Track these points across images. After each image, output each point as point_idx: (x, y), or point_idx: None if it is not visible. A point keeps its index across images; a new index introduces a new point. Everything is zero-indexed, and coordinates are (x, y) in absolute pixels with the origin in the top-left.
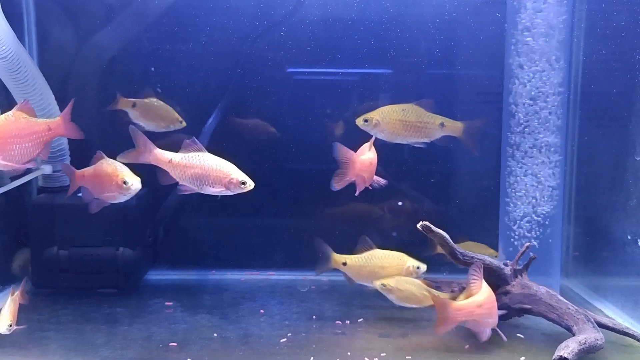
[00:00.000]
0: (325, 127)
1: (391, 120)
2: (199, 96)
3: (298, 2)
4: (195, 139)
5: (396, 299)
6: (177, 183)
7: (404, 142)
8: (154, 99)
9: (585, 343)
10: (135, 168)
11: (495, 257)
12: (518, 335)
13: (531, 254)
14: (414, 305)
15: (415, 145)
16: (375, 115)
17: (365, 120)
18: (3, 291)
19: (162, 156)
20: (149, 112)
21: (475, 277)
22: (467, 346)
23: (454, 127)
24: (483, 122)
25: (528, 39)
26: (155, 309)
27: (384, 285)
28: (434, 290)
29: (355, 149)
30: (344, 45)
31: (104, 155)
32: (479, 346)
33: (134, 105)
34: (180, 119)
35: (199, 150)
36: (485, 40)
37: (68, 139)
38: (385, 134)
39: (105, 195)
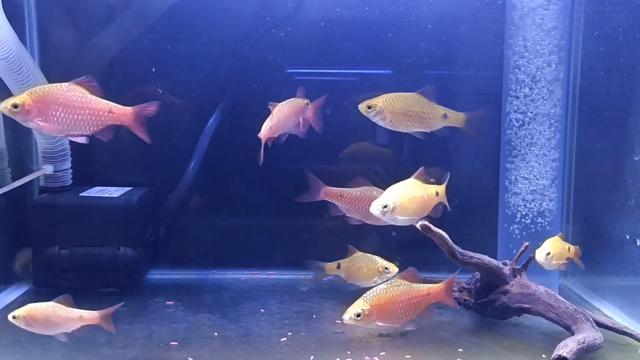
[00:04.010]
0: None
1: (395, 109)
2: (199, 97)
3: (298, 2)
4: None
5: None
6: (175, 185)
7: (405, 131)
8: None
9: (584, 342)
10: None
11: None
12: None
13: (530, 254)
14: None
15: (416, 136)
16: (379, 102)
17: (369, 107)
18: (4, 291)
19: (333, 191)
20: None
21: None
22: (461, 350)
23: (456, 118)
24: (484, 113)
25: (527, 39)
26: (156, 308)
27: None
28: None
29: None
30: (344, 46)
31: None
32: (478, 346)
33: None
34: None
35: (366, 185)
36: (484, 40)
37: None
38: (387, 122)
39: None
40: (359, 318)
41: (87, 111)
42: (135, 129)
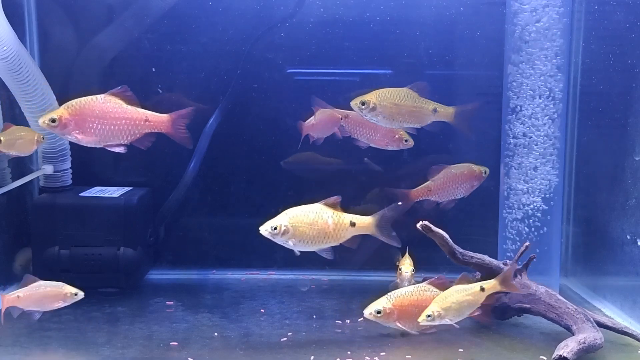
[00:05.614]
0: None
1: (388, 104)
2: (199, 97)
3: (298, 2)
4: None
5: None
6: (175, 185)
7: (397, 127)
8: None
9: (584, 342)
10: None
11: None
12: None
13: (531, 255)
14: None
15: (407, 132)
16: (372, 98)
17: (362, 104)
18: (4, 291)
19: (420, 191)
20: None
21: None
22: (461, 350)
23: (445, 113)
24: (474, 106)
25: (527, 39)
26: (156, 309)
27: None
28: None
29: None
30: (344, 46)
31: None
32: (478, 346)
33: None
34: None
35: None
36: (484, 40)
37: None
38: (380, 117)
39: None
40: (379, 315)
41: (124, 121)
42: (173, 135)
